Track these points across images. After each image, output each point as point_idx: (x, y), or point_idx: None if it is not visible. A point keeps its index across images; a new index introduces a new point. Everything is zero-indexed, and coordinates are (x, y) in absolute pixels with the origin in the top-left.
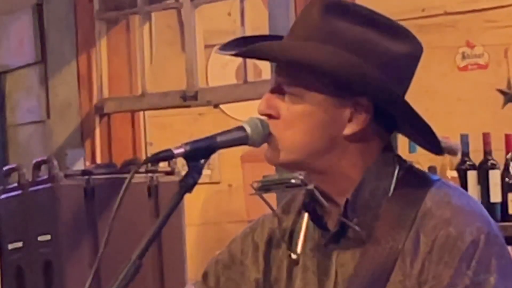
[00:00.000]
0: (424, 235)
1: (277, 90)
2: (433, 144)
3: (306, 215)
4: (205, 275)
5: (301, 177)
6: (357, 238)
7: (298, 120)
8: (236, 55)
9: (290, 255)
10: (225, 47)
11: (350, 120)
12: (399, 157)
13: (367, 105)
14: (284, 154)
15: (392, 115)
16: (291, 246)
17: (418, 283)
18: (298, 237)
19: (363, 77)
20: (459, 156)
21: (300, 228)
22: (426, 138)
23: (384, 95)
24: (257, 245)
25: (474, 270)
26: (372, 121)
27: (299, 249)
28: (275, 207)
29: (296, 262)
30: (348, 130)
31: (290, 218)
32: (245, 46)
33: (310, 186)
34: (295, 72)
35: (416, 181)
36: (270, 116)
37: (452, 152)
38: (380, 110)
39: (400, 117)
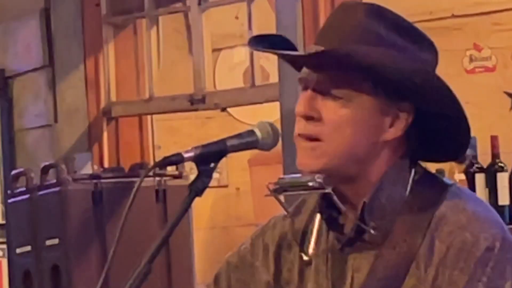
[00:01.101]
0: (439, 240)
1: (320, 91)
2: (461, 144)
3: (318, 217)
4: (216, 278)
5: (319, 180)
6: (373, 242)
7: (345, 124)
8: (304, 59)
9: (301, 257)
10: (258, 44)
11: (391, 126)
12: (415, 161)
13: (410, 109)
14: (324, 161)
15: (427, 120)
16: (303, 247)
17: None
18: (310, 239)
19: (429, 83)
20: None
21: (312, 230)
22: (457, 140)
23: (435, 93)
24: (268, 247)
25: (489, 276)
26: (408, 127)
27: (311, 251)
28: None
29: (308, 263)
30: (389, 135)
31: (302, 220)
32: (276, 44)
33: (328, 190)
34: (346, 74)
35: (431, 186)
36: (310, 118)
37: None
38: (418, 117)
39: (443, 113)
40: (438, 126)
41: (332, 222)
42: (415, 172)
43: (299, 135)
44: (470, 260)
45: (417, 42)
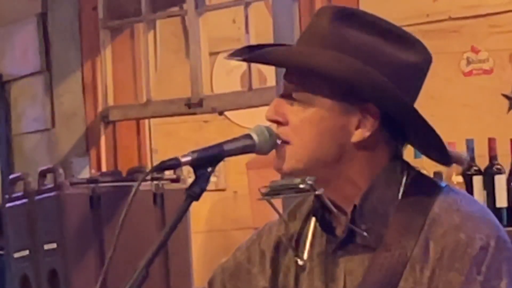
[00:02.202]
0: (434, 242)
1: (286, 96)
2: (441, 154)
3: (313, 220)
4: (210, 284)
5: (310, 182)
6: (366, 245)
7: (307, 126)
8: (245, 60)
9: (297, 261)
10: (233, 54)
11: (358, 128)
12: (408, 164)
13: (375, 111)
14: (292, 162)
15: (400, 123)
16: (298, 252)
17: None
18: (305, 243)
19: (371, 83)
20: None
21: (307, 233)
22: (434, 147)
23: (392, 102)
24: (264, 252)
25: (485, 276)
26: (380, 129)
27: (305, 255)
28: (281, 212)
29: (303, 268)
30: (356, 137)
31: (297, 223)
32: (252, 53)
33: (320, 192)
34: (304, 78)
35: (424, 188)
36: (277, 123)
37: (460, 162)
38: (388, 118)
39: (408, 124)
40: (411, 131)
41: (325, 224)
42: (408, 175)
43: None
44: (465, 260)
45: (397, 43)
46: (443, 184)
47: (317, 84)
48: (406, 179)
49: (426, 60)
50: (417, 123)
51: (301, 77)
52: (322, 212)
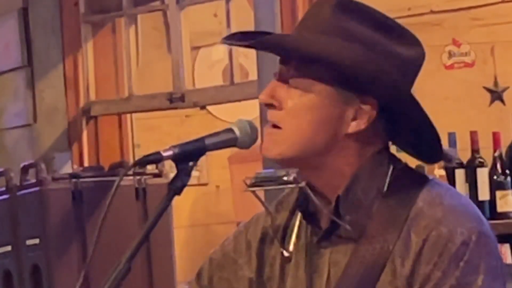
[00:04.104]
0: (416, 235)
1: (283, 80)
2: (433, 150)
3: (299, 213)
4: (198, 274)
5: (294, 174)
6: (349, 236)
7: (304, 112)
8: (248, 46)
9: (282, 253)
10: (229, 39)
11: (354, 119)
12: (394, 156)
13: (373, 104)
14: (283, 148)
15: (395, 118)
16: (284, 243)
17: (408, 283)
18: (291, 235)
19: (378, 73)
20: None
21: (293, 226)
22: (427, 143)
23: (396, 92)
24: (250, 243)
25: (462, 271)
26: (375, 123)
27: (291, 247)
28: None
29: (288, 259)
30: (351, 128)
31: (283, 216)
32: (249, 39)
33: (302, 184)
34: (305, 64)
35: (410, 181)
36: (271, 106)
37: (447, 159)
38: (384, 112)
39: (406, 117)
40: (407, 125)
41: (309, 216)
42: (394, 167)
43: (267, 121)
44: (445, 255)
45: (395, 37)
46: (429, 177)
47: (319, 71)
48: (392, 172)
49: (422, 55)
50: (418, 116)
51: (302, 63)
52: (306, 204)
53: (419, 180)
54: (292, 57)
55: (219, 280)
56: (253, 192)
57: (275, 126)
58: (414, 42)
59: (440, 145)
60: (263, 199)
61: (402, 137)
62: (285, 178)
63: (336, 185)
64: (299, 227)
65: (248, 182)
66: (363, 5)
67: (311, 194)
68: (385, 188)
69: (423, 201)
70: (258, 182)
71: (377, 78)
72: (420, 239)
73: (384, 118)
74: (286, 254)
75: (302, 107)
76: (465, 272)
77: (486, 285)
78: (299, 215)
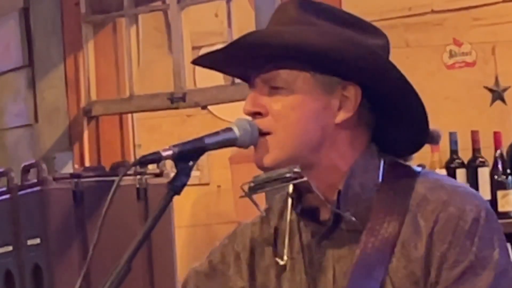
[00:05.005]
0: (424, 219)
1: (260, 88)
2: (420, 132)
3: (288, 218)
4: (184, 286)
5: (296, 169)
6: (352, 230)
7: (290, 112)
8: (221, 50)
9: (277, 262)
10: (204, 57)
11: (340, 108)
12: (381, 151)
13: (356, 89)
14: (276, 152)
15: (379, 105)
16: (277, 251)
17: (425, 266)
18: (283, 242)
19: (355, 53)
20: (448, 154)
21: (284, 232)
22: (414, 126)
23: (382, 71)
24: (239, 254)
25: (478, 246)
26: (360, 110)
27: (285, 253)
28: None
29: (284, 267)
30: (339, 118)
31: (271, 224)
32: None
33: (305, 179)
34: (280, 64)
35: (403, 172)
36: (257, 115)
37: (433, 139)
38: (369, 97)
39: (390, 100)
40: (390, 110)
41: (308, 215)
42: (384, 160)
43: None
44: (459, 233)
45: (361, 30)
46: (417, 168)
47: (297, 66)
48: (384, 164)
49: (388, 44)
50: (401, 88)
51: (277, 63)
52: (302, 205)
53: (410, 170)
54: (262, 62)
55: None
56: (250, 197)
57: (265, 134)
58: (379, 33)
59: (428, 126)
60: (263, 202)
61: (387, 128)
62: (288, 175)
63: (332, 181)
64: (290, 231)
65: (247, 187)
66: (325, 4)
67: (315, 189)
68: (380, 180)
69: (423, 188)
70: (258, 185)
71: (357, 58)
72: (430, 222)
73: (368, 107)
74: (281, 262)
75: (287, 108)
76: (481, 247)
77: (502, 257)
78: (288, 220)
